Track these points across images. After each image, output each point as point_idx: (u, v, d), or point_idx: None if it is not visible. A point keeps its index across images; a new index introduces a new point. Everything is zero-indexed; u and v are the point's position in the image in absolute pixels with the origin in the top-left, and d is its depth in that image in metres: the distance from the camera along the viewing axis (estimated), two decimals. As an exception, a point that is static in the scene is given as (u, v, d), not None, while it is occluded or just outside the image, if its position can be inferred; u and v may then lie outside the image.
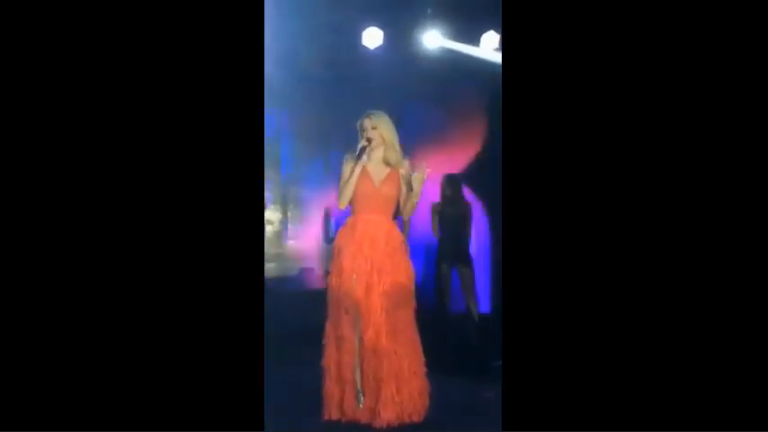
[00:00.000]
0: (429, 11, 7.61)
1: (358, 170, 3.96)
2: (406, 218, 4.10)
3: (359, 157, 3.96)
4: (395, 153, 4.02)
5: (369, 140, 3.97)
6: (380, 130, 3.99)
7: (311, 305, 4.67)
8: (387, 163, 4.01)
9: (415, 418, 3.87)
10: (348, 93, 7.30)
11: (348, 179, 3.96)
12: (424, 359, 3.97)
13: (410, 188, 3.98)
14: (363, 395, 3.88)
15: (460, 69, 7.67)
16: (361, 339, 3.87)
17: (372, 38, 7.53)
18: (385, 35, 7.54)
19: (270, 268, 8.17)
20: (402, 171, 4.01)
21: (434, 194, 6.75)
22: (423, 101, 7.68)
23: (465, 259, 6.81)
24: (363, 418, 3.87)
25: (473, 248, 7.01)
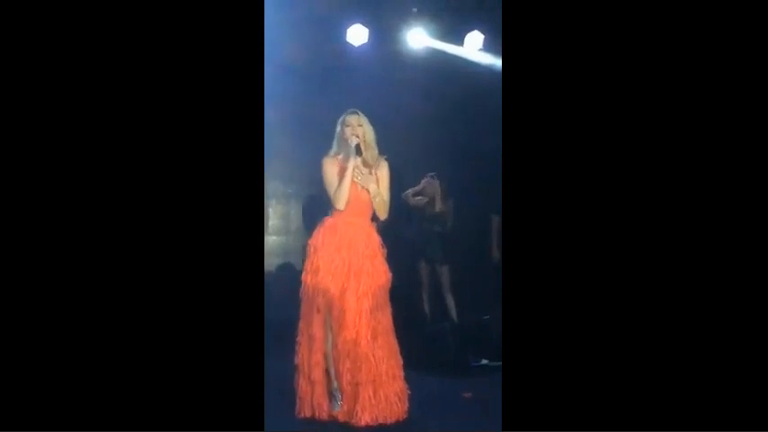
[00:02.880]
0: (415, 9, 7.60)
1: (351, 169, 3.93)
2: (382, 218, 4.08)
3: (357, 154, 3.93)
4: (374, 153, 4.01)
5: (357, 137, 3.95)
6: (364, 129, 3.99)
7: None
8: (365, 164, 4.00)
9: (394, 421, 3.88)
10: (331, 89, 7.28)
11: (343, 179, 3.93)
12: (401, 362, 3.98)
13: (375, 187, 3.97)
14: (342, 395, 3.87)
15: (444, 69, 7.68)
16: (333, 340, 3.87)
17: (357, 35, 7.51)
18: (370, 33, 7.52)
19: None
20: (382, 167, 4.01)
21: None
22: (406, 99, 7.67)
23: (442, 259, 6.83)
24: (340, 417, 3.89)
25: (455, 248, 7.02)
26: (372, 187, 3.97)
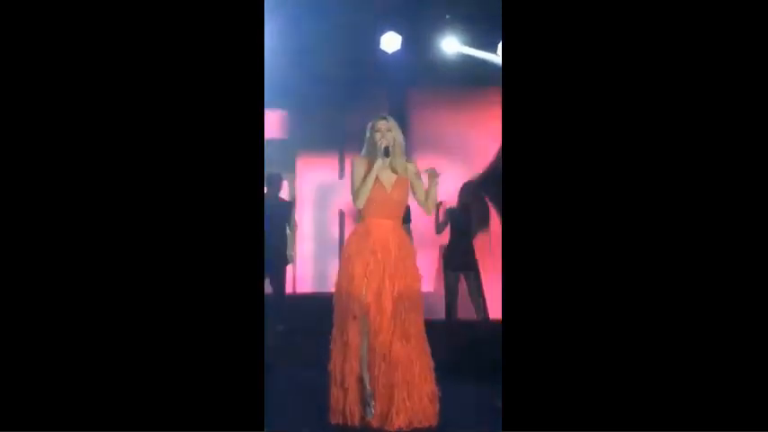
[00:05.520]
0: (447, 16, 7.63)
1: (376, 169, 3.96)
2: (429, 214, 4.13)
3: (385, 155, 3.96)
4: (401, 160, 4.04)
5: (386, 141, 3.98)
6: (394, 134, 4.01)
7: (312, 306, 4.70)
8: (393, 170, 4.03)
9: (426, 424, 3.88)
10: (364, 95, 7.32)
11: (366, 178, 3.96)
12: (432, 364, 3.98)
13: (425, 187, 4.01)
14: (375, 401, 3.88)
15: (477, 75, 7.69)
16: (370, 344, 3.88)
17: (391, 42, 7.56)
18: (403, 40, 7.56)
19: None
20: (411, 171, 4.04)
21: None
22: (439, 106, 7.69)
23: (471, 264, 6.84)
24: (373, 422, 3.87)
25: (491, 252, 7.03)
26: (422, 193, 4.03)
